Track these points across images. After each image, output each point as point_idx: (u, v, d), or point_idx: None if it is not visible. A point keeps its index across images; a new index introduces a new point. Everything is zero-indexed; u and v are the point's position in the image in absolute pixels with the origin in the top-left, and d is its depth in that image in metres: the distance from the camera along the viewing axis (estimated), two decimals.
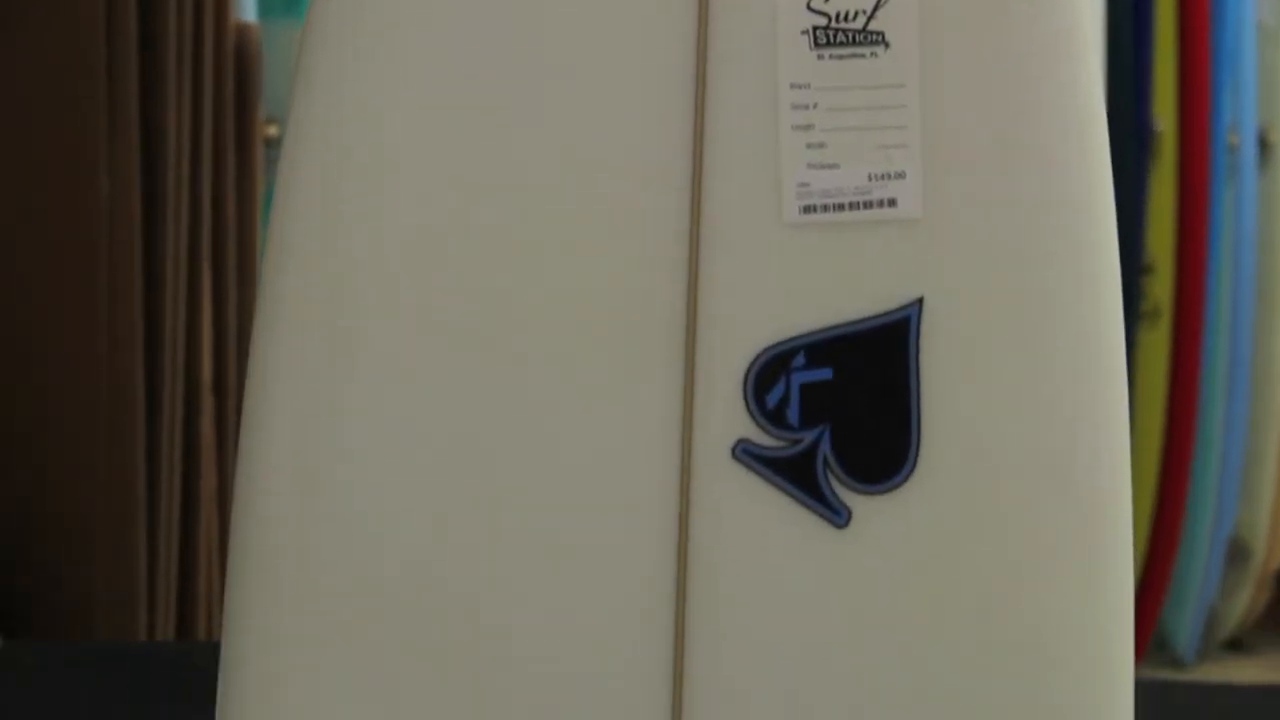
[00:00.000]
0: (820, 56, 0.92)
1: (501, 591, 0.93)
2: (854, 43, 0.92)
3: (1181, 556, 2.77)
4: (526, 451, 0.93)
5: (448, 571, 0.93)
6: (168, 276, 1.97)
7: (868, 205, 0.92)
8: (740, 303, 0.92)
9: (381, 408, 0.93)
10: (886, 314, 0.92)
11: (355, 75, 0.93)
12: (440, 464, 0.93)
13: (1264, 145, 2.80)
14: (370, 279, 0.93)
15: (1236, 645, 2.92)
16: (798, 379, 0.92)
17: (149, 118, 1.94)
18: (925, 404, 0.93)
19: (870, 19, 0.92)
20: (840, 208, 0.92)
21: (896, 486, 0.93)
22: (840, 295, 0.92)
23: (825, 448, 0.93)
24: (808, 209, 0.92)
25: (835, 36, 0.92)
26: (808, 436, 0.93)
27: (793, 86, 0.92)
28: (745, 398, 0.93)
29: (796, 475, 0.93)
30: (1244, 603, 2.87)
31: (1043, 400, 0.94)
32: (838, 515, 0.93)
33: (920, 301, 0.92)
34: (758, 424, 0.93)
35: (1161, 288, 2.73)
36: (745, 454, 0.93)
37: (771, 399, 0.92)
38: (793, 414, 0.92)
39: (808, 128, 0.92)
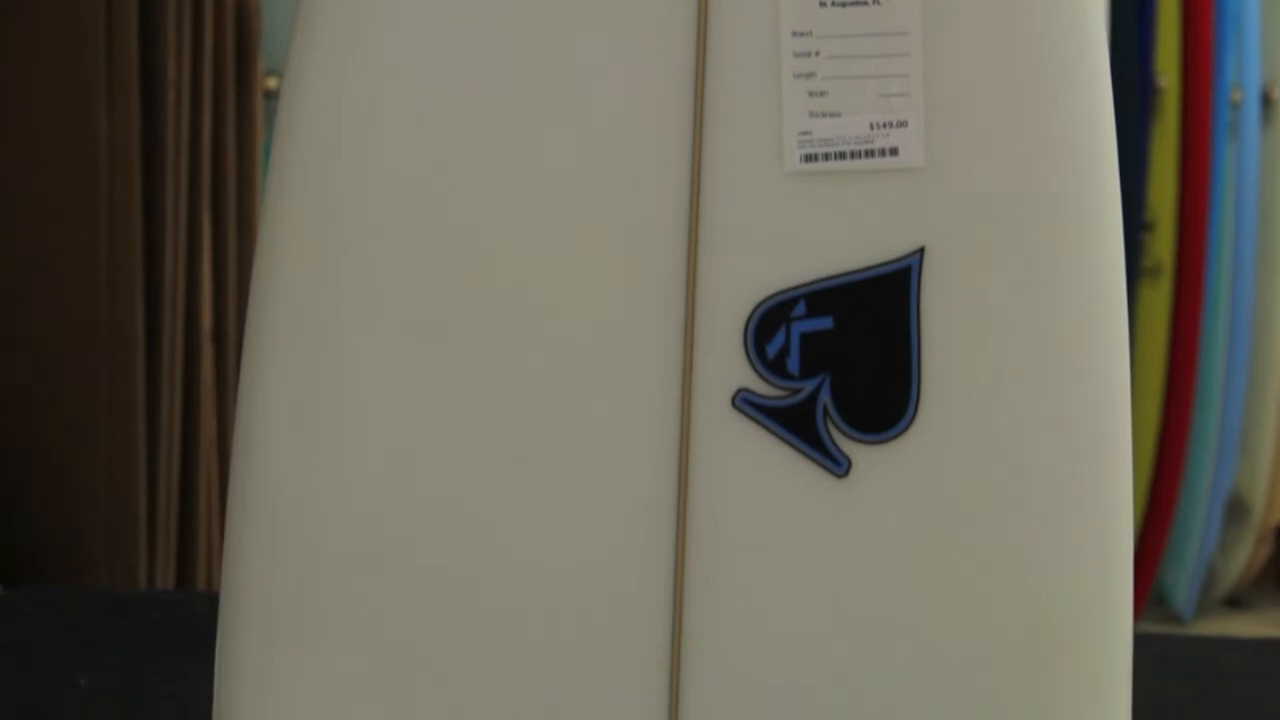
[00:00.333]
0: (822, 4, 0.91)
1: (500, 538, 0.93)
2: None
3: (1180, 513, 2.78)
4: (527, 398, 0.93)
5: (447, 520, 0.93)
6: (168, 226, 1.96)
7: (869, 154, 0.92)
8: (741, 252, 0.92)
9: (380, 355, 0.93)
10: (887, 263, 0.92)
11: (355, 26, 0.93)
12: (440, 413, 0.93)
13: (1267, 102, 2.79)
14: (369, 228, 0.93)
15: (1234, 602, 2.92)
16: (798, 328, 0.92)
17: (149, 66, 1.94)
18: (926, 354, 0.92)
19: None
20: (842, 156, 0.92)
21: (896, 436, 0.93)
22: (841, 244, 0.92)
23: (825, 397, 0.93)
24: (809, 158, 0.92)
25: None
26: (808, 386, 0.93)
27: (794, 35, 0.91)
28: (745, 347, 0.92)
29: (796, 424, 0.93)
30: (1242, 559, 2.87)
31: (1044, 351, 0.93)
32: (837, 464, 0.93)
33: (922, 251, 0.92)
34: (758, 373, 0.93)
35: (1163, 245, 2.72)
36: (745, 403, 0.93)
37: (772, 348, 0.92)
38: (793, 363, 0.92)
39: (809, 76, 0.92)
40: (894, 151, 0.92)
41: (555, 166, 0.92)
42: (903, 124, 0.92)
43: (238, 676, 0.95)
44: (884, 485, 0.93)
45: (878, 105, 0.92)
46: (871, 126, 0.92)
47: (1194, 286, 2.73)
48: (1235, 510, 2.84)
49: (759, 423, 0.93)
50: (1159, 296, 2.73)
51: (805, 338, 0.92)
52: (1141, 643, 0.99)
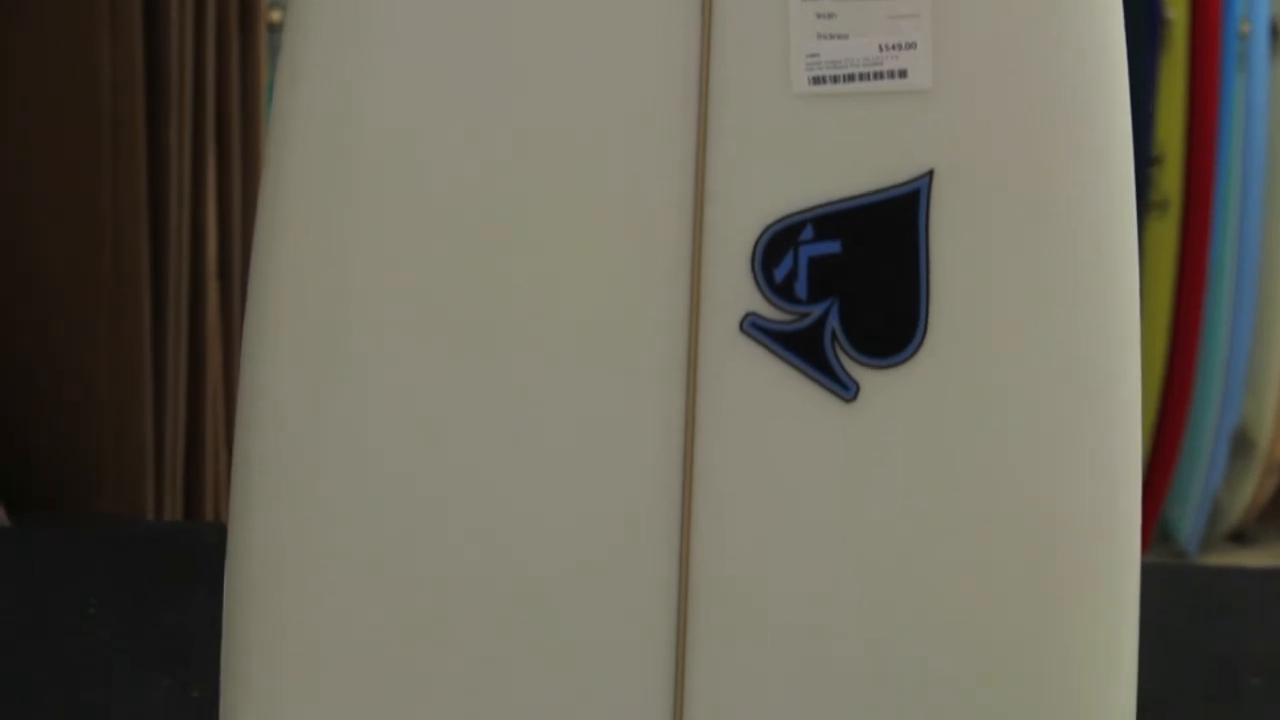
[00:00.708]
0: None
1: (507, 463, 0.93)
2: None
3: (1186, 448, 2.78)
4: (534, 322, 0.92)
5: (454, 449, 0.93)
6: (172, 163, 1.96)
7: (878, 76, 0.91)
8: (748, 176, 0.92)
9: (383, 288, 0.92)
10: (896, 187, 0.92)
11: None
12: (445, 344, 0.93)
13: (1275, 33, 2.77)
14: (376, 165, 0.92)
15: (1239, 537, 2.93)
16: (806, 252, 0.92)
17: (151, 2, 1.93)
18: (934, 278, 0.92)
19: None
20: (850, 79, 0.91)
21: (904, 360, 0.92)
22: (849, 168, 0.92)
23: (833, 321, 0.92)
24: (817, 80, 0.91)
25: None
26: (816, 310, 0.92)
27: None
28: (753, 271, 0.92)
29: (804, 349, 0.92)
30: (1247, 495, 2.88)
31: (1053, 276, 0.93)
32: (845, 389, 0.93)
33: (930, 174, 0.92)
34: (766, 298, 0.92)
35: (1170, 179, 2.71)
36: (753, 328, 0.92)
37: (780, 272, 0.92)
38: (801, 287, 0.92)
39: None
40: (902, 74, 0.91)
41: (561, 88, 0.92)
42: (911, 46, 0.91)
43: (246, 605, 0.96)
44: (892, 410, 0.93)
45: (886, 27, 0.91)
46: (880, 48, 0.91)
47: (1201, 221, 2.72)
48: (1241, 445, 2.84)
49: (767, 347, 0.92)
50: (1166, 230, 2.72)
51: (813, 262, 0.92)
52: (1148, 573, 0.99)
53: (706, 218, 0.92)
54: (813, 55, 0.91)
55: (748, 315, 0.92)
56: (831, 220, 0.92)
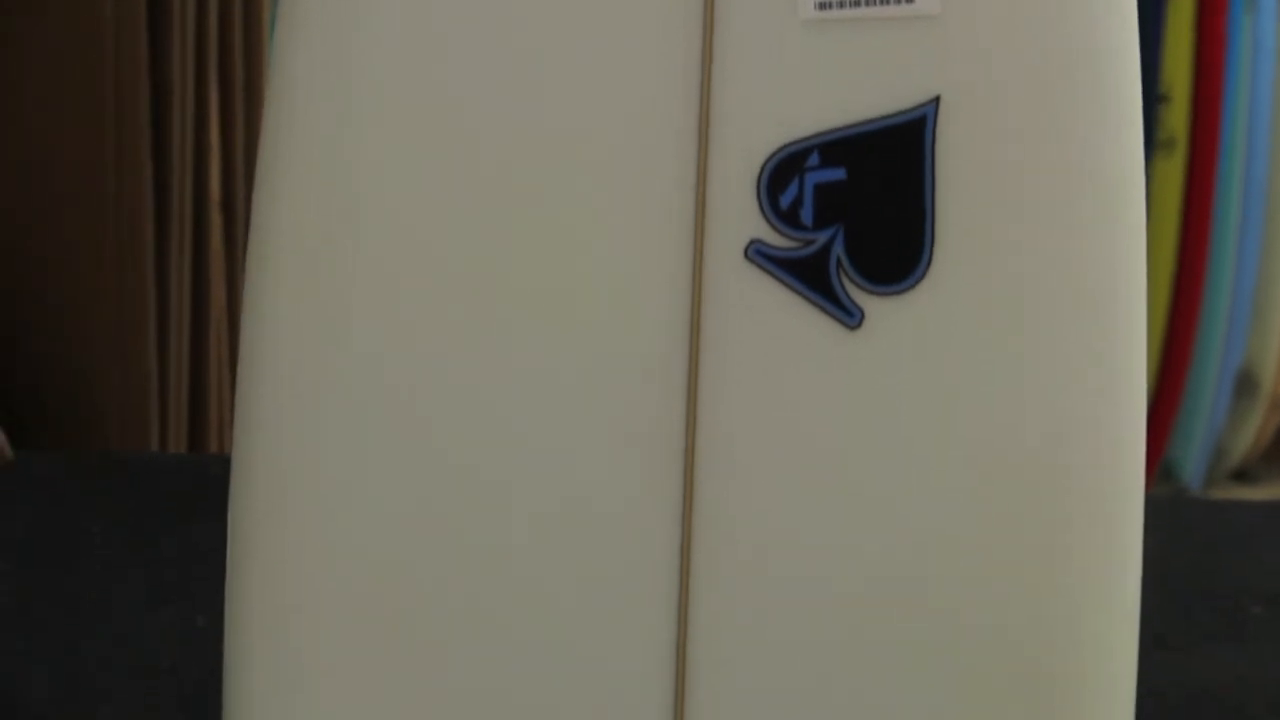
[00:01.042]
0: None
1: (511, 393, 0.93)
2: None
3: (1190, 387, 2.78)
4: (539, 249, 0.92)
5: (455, 381, 0.93)
6: (175, 95, 1.95)
7: (884, 1, 0.91)
8: (753, 102, 0.91)
9: (388, 219, 0.92)
10: (902, 113, 0.91)
11: None
12: (448, 276, 0.92)
13: None
14: (378, 95, 0.92)
15: (1242, 476, 2.93)
16: (811, 179, 0.91)
17: None
18: (940, 205, 0.92)
19: None
20: (856, 4, 0.91)
21: (910, 288, 0.92)
22: (855, 94, 0.91)
23: (839, 248, 0.92)
24: (823, 5, 0.91)
25: None
26: (821, 237, 0.92)
27: None
28: (758, 198, 0.92)
29: (809, 276, 0.92)
30: (1250, 434, 2.88)
31: (1060, 203, 0.93)
32: (850, 316, 0.92)
33: (937, 100, 0.91)
34: (771, 224, 0.92)
35: (1177, 118, 2.70)
36: (758, 254, 0.92)
37: (785, 199, 0.92)
38: (806, 214, 0.92)
39: None
40: None
41: (566, 18, 0.91)
42: None
43: (249, 537, 0.96)
44: (897, 338, 0.92)
45: None
46: None
47: (1208, 160, 2.71)
48: (1244, 384, 2.84)
49: (771, 274, 0.92)
50: (1173, 170, 2.72)
51: (819, 188, 0.91)
52: (1151, 506, 0.99)
53: (711, 145, 0.92)
54: None
55: (753, 242, 0.92)
56: (838, 147, 0.91)
